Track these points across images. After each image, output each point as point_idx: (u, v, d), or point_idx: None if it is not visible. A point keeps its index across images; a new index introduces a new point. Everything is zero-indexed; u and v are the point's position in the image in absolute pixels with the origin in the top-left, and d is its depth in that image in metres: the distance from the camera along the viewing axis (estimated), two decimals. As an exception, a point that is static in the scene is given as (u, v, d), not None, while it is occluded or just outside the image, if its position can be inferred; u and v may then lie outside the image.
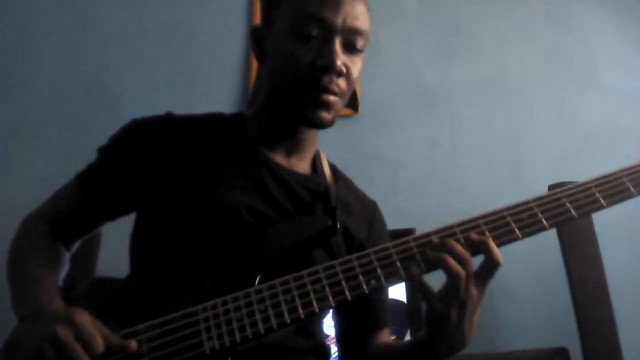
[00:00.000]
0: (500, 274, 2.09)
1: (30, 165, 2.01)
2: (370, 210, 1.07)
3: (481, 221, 0.80)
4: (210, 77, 2.04)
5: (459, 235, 0.78)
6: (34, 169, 2.00)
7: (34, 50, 2.12)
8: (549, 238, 1.65)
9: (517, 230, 0.79)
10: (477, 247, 0.77)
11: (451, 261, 0.74)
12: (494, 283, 2.08)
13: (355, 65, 0.91)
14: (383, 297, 1.05)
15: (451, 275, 0.74)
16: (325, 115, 0.89)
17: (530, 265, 1.90)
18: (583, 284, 1.54)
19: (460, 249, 0.75)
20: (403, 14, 2.16)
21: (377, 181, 2.00)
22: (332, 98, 0.88)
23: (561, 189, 0.83)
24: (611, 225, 1.84)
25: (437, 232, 0.79)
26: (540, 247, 1.87)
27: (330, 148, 2.16)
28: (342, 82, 0.89)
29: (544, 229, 0.80)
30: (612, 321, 1.51)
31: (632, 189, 0.84)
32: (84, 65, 2.11)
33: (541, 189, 1.65)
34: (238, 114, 1.03)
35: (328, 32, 0.87)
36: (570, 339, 1.56)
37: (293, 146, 0.99)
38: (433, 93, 2.09)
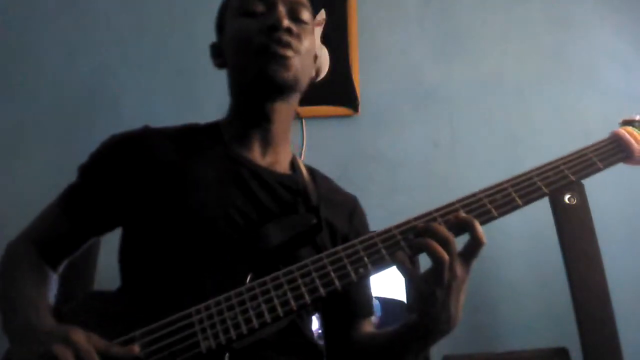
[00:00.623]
0: (500, 274, 2.10)
1: (30, 165, 2.02)
2: (351, 204, 1.10)
3: (458, 204, 0.83)
4: (210, 77, 2.04)
5: (439, 220, 0.81)
6: (34, 169, 2.00)
7: (34, 50, 2.12)
8: (549, 238, 1.66)
9: (493, 210, 0.84)
10: (460, 226, 0.79)
11: (434, 244, 0.76)
12: (495, 283, 2.08)
13: (305, 34, 0.97)
14: (365, 287, 1.07)
15: (435, 258, 0.76)
16: (283, 71, 0.92)
17: (530, 265, 1.90)
18: (583, 284, 1.54)
19: (443, 230, 0.77)
20: (403, 14, 2.16)
21: (377, 181, 2.01)
22: (287, 52, 0.92)
23: (531, 168, 0.89)
24: (611, 225, 1.85)
25: (418, 218, 0.82)
26: (540, 247, 1.88)
27: (330, 148, 2.17)
28: (294, 40, 0.94)
29: (518, 207, 0.84)
30: (612, 321, 1.51)
31: (598, 163, 0.91)
32: (84, 66, 2.11)
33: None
34: (214, 122, 1.06)
35: (271, 3, 0.95)
36: (570, 339, 1.56)
37: (266, 141, 1.00)
38: (433, 93, 2.09)
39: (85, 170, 0.99)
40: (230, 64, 1.00)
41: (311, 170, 1.09)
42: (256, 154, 1.00)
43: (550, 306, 1.83)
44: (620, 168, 2.14)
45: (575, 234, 1.59)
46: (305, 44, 0.96)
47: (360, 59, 2.09)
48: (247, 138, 1.00)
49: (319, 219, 0.91)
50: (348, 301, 1.02)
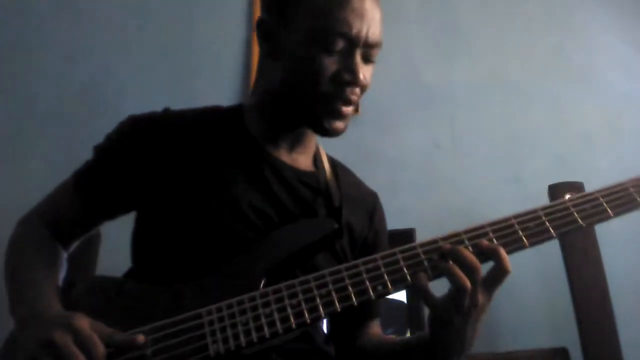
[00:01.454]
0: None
1: (30, 165, 2.01)
2: (371, 202, 1.07)
3: (489, 228, 0.80)
4: (210, 77, 2.04)
5: (467, 243, 0.78)
6: (34, 169, 2.00)
7: (34, 50, 2.12)
8: (549, 238, 1.66)
9: (524, 239, 0.79)
10: (487, 255, 0.76)
11: (458, 272, 0.73)
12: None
13: (371, 75, 0.93)
14: None
15: (457, 285, 0.73)
16: (341, 126, 0.91)
17: (531, 266, 1.90)
18: (583, 284, 1.55)
19: (470, 256, 0.74)
20: (403, 14, 2.16)
21: (377, 181, 1.99)
22: (350, 109, 0.90)
23: (568, 198, 0.84)
24: (611, 225, 1.84)
25: (445, 238, 0.79)
26: (540, 247, 1.87)
27: (330, 148, 2.16)
28: (359, 93, 0.91)
29: (551, 237, 0.80)
30: (612, 321, 1.51)
31: (638, 199, 0.84)
32: (84, 66, 2.11)
33: (541, 189, 1.66)
34: (236, 107, 1.02)
35: (352, 46, 0.87)
36: (570, 339, 1.56)
37: (295, 142, 0.98)
38: (433, 93, 2.09)
39: (102, 151, 0.97)
40: (284, 76, 0.92)
41: (333, 163, 1.06)
42: (282, 151, 0.97)
43: (550, 306, 1.82)
44: (621, 168, 2.15)
45: (575, 234, 1.59)
46: (367, 88, 0.92)
47: (360, 59, 2.09)
48: (276, 135, 0.97)
49: (340, 225, 0.88)
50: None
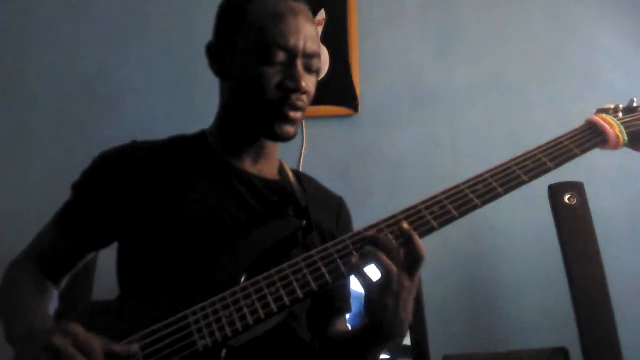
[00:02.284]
0: (500, 274, 2.10)
1: (30, 165, 2.02)
2: (336, 204, 1.14)
3: (401, 216, 0.85)
4: (210, 77, 2.04)
5: (386, 231, 0.84)
6: (34, 169, 2.00)
7: (34, 50, 2.12)
8: (549, 238, 1.66)
9: (432, 221, 0.84)
10: (403, 238, 0.82)
11: (381, 255, 0.79)
12: (495, 283, 2.08)
13: (313, 84, 1.00)
14: (343, 285, 1.10)
15: (382, 268, 0.79)
16: (290, 130, 0.98)
17: (530, 265, 1.90)
18: (583, 284, 1.55)
19: (389, 241, 0.81)
20: (403, 14, 2.16)
21: (378, 181, 2.01)
22: (297, 114, 0.97)
23: (463, 181, 0.90)
24: (611, 225, 1.85)
25: (366, 228, 0.85)
26: (540, 247, 1.88)
27: (330, 148, 2.17)
28: (305, 99, 0.97)
29: (454, 217, 0.85)
30: (612, 321, 1.51)
31: (575, 150, 0.93)
32: (84, 65, 2.11)
33: (541, 189, 1.66)
34: (200, 132, 1.09)
35: (292, 56, 0.95)
36: (570, 339, 1.56)
37: (258, 155, 1.04)
38: (433, 93, 2.09)
39: (79, 188, 1.02)
40: (234, 92, 1.00)
41: (296, 173, 1.13)
42: (246, 164, 1.03)
43: (550, 306, 1.82)
44: (621, 168, 2.15)
45: (575, 234, 1.59)
46: (311, 95, 0.99)
47: (360, 59, 2.09)
48: (239, 150, 1.03)
49: (309, 221, 0.94)
50: (326, 298, 1.06)
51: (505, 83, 2.09)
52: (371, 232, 0.83)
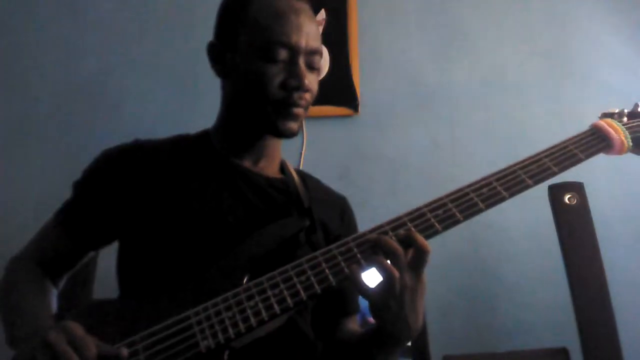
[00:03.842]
0: (500, 274, 2.09)
1: (30, 165, 2.02)
2: (341, 204, 1.13)
3: (406, 218, 0.85)
4: (210, 77, 2.04)
5: (390, 233, 0.83)
6: (34, 169, 2.00)
7: (34, 50, 2.12)
8: (549, 238, 1.66)
9: (436, 224, 0.84)
10: (406, 242, 0.81)
11: (382, 260, 0.79)
12: (495, 283, 2.08)
13: (316, 81, 1.00)
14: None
15: (384, 271, 0.78)
16: (294, 126, 0.97)
17: (530, 265, 1.90)
18: (583, 284, 1.55)
19: (391, 243, 0.80)
20: (403, 14, 2.16)
21: (378, 181, 2.01)
22: (300, 111, 0.97)
23: (467, 184, 0.91)
24: (611, 225, 1.85)
25: (371, 230, 0.84)
26: (541, 248, 1.88)
27: (330, 148, 2.17)
28: (308, 96, 0.97)
29: (459, 221, 0.85)
30: (612, 321, 1.51)
31: (579, 154, 0.95)
32: (84, 65, 2.11)
33: (541, 189, 1.65)
34: (203, 131, 1.08)
35: (294, 54, 0.95)
36: (570, 339, 1.56)
37: (260, 154, 1.04)
38: (433, 93, 2.09)
39: (80, 187, 1.02)
40: (236, 91, 1.00)
41: (300, 173, 1.13)
42: (248, 162, 1.03)
43: (550, 306, 1.83)
44: (621, 168, 2.15)
45: (575, 234, 1.59)
46: (314, 92, 0.99)
47: (360, 59, 2.09)
48: (241, 149, 1.03)
49: (313, 220, 0.95)
50: (334, 298, 1.05)
51: (505, 83, 2.09)
52: (374, 234, 0.83)
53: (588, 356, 1.48)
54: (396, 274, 0.78)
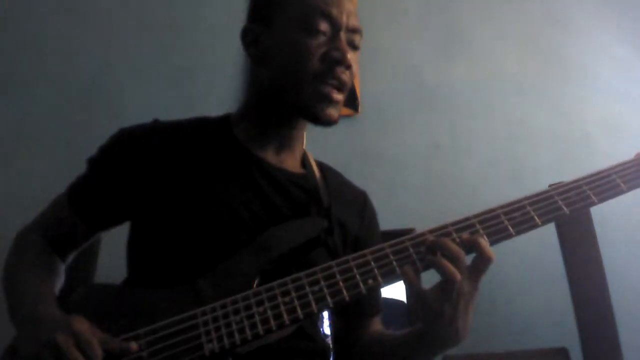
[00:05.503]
0: (500, 274, 2.10)
1: (30, 165, 2.01)
2: (361, 201, 1.09)
3: (475, 220, 0.81)
4: (211, 76, 2.04)
5: (454, 235, 0.80)
6: (34, 169, 2.00)
7: (34, 50, 2.12)
8: (549, 238, 1.66)
9: (510, 228, 0.81)
10: (469, 246, 0.78)
11: (445, 262, 0.75)
12: (495, 283, 2.08)
13: (356, 61, 0.95)
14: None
15: (445, 275, 0.75)
16: (334, 113, 0.92)
17: (530, 265, 1.90)
18: (583, 284, 1.54)
19: (454, 246, 0.77)
20: (403, 14, 2.16)
21: (377, 181, 2.00)
22: (340, 96, 0.92)
23: (552, 186, 0.86)
24: (611, 225, 1.85)
25: (432, 231, 0.81)
26: (540, 247, 1.87)
27: (330, 148, 2.17)
28: (349, 75, 0.92)
29: (536, 225, 0.81)
30: (612, 321, 1.51)
31: (622, 185, 0.87)
32: (84, 65, 2.11)
33: (541, 189, 1.65)
34: (224, 116, 1.04)
35: (336, 28, 0.91)
36: (570, 339, 1.56)
37: (283, 144, 1.00)
38: (433, 93, 2.09)
39: (95, 164, 0.98)
40: (273, 72, 0.94)
41: (321, 166, 1.09)
42: (269, 154, 0.99)
43: (550, 306, 1.82)
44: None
45: (576, 234, 1.59)
46: (354, 73, 0.94)
47: (360, 59, 2.08)
48: (263, 138, 0.98)
49: (331, 222, 0.91)
50: (357, 299, 1.02)
51: (505, 83, 2.09)
52: (432, 237, 0.79)
53: (588, 356, 1.48)
54: (459, 278, 0.75)
